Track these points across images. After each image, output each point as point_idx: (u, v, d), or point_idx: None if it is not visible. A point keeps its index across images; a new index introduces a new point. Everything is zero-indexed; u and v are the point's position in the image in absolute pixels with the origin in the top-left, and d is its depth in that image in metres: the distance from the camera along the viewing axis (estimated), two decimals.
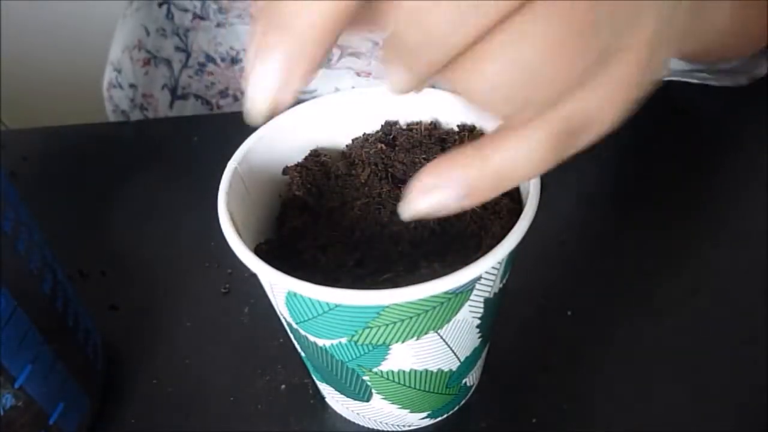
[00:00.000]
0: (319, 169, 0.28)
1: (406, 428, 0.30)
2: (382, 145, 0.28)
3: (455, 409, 0.31)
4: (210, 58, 0.55)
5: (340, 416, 0.31)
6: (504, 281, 0.25)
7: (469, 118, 0.28)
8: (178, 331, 0.35)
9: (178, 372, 0.33)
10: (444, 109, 0.29)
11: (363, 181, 0.27)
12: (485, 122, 0.28)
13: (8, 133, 0.52)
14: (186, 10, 0.56)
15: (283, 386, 0.32)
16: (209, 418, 0.31)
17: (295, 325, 0.25)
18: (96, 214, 0.43)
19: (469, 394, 0.31)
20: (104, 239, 0.41)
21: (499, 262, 0.23)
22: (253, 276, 0.25)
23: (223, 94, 0.55)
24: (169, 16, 0.57)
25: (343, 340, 0.24)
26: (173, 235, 0.41)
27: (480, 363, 0.30)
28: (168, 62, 0.57)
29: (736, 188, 0.40)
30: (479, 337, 0.27)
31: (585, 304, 0.32)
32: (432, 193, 0.20)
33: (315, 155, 0.29)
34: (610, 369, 0.32)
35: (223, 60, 0.55)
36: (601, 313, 0.34)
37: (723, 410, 0.30)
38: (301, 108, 0.29)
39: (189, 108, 0.56)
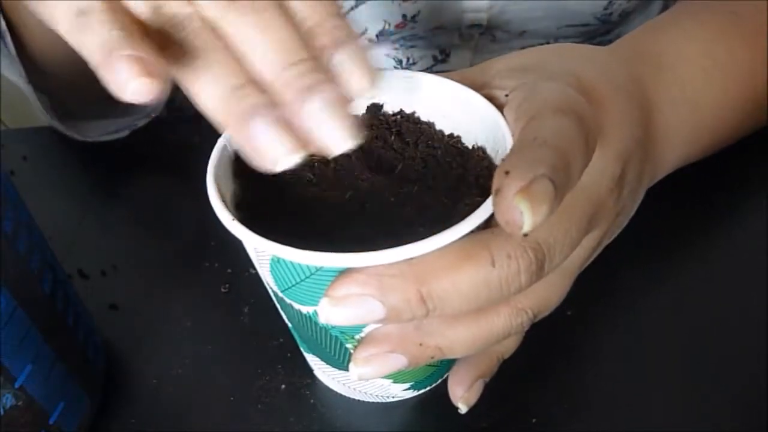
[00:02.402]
0: None
1: (390, 399, 0.31)
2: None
3: (438, 381, 0.31)
4: None
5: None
6: None
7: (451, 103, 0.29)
8: (178, 331, 0.35)
9: (178, 372, 0.33)
10: (424, 95, 0.30)
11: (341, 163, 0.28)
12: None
13: (8, 133, 0.52)
14: None
15: (283, 386, 0.32)
16: (209, 418, 0.31)
17: (280, 294, 0.25)
18: (96, 214, 0.43)
19: (452, 368, 0.31)
20: (104, 239, 0.41)
21: (473, 231, 0.23)
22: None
23: None
24: None
25: None
26: (173, 235, 0.41)
27: None
28: None
29: (736, 187, 0.40)
30: None
31: (585, 304, 0.32)
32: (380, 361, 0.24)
33: None
34: (610, 369, 0.32)
35: None
36: (600, 313, 0.34)
37: (723, 410, 0.30)
38: None
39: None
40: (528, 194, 0.20)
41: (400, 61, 0.52)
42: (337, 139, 0.20)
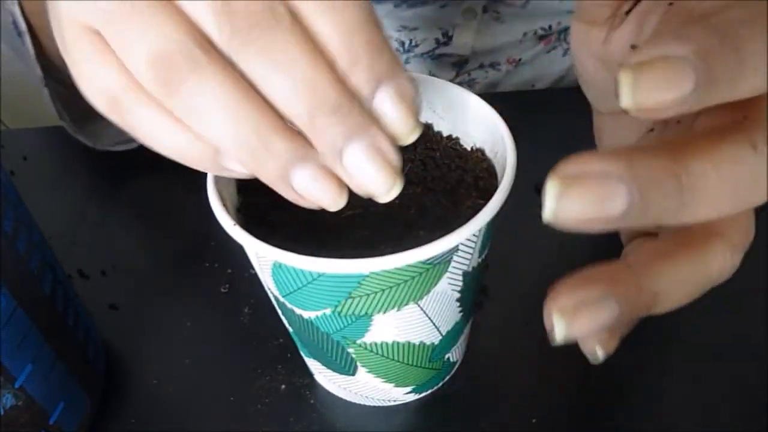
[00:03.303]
0: None
1: (392, 403, 0.31)
2: None
3: (440, 384, 0.31)
4: None
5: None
6: (483, 257, 0.26)
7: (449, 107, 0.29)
8: (178, 331, 0.35)
9: (178, 372, 0.33)
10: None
11: None
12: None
13: (8, 133, 0.52)
14: None
15: (283, 386, 0.32)
16: (209, 418, 0.31)
17: (282, 299, 0.25)
18: (96, 214, 0.43)
19: (453, 371, 0.31)
20: (104, 239, 0.41)
21: (475, 235, 0.23)
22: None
23: None
24: None
25: (328, 311, 0.24)
26: (173, 235, 0.41)
27: (463, 339, 0.30)
28: None
29: None
30: (460, 312, 0.27)
31: None
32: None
33: None
34: (610, 369, 0.32)
35: None
36: None
37: (724, 410, 0.30)
38: None
39: None
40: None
41: (403, 43, 0.53)
42: (382, 190, 0.19)
